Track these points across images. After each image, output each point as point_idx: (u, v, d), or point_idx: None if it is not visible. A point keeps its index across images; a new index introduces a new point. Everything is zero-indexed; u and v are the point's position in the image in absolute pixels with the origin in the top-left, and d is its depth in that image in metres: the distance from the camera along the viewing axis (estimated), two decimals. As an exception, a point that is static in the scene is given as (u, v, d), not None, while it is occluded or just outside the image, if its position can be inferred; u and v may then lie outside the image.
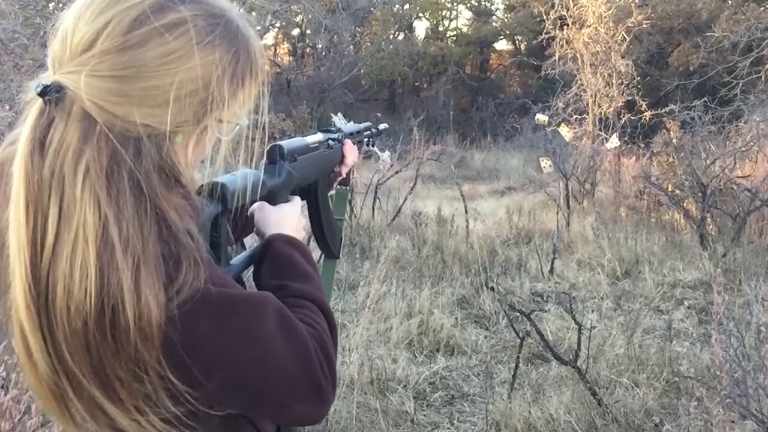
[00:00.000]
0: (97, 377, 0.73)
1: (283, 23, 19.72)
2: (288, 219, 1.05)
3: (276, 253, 0.98)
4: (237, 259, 0.99)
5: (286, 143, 1.12)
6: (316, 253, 1.62)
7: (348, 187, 1.46)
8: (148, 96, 0.75)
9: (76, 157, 0.72)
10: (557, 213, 7.27)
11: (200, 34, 0.78)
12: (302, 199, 1.22)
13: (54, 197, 0.72)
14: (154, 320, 0.71)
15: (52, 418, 0.82)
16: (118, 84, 0.74)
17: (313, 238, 1.37)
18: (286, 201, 1.10)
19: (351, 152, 1.35)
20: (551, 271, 5.58)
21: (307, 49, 20.46)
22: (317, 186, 1.27)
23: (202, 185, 0.89)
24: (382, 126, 1.64)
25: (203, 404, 0.77)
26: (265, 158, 1.09)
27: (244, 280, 1.02)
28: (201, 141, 0.84)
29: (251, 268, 1.01)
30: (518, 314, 3.59)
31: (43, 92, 0.74)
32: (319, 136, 1.27)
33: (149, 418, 0.75)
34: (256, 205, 1.05)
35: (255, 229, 1.06)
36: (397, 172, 8.02)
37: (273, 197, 1.06)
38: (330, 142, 1.28)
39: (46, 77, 0.76)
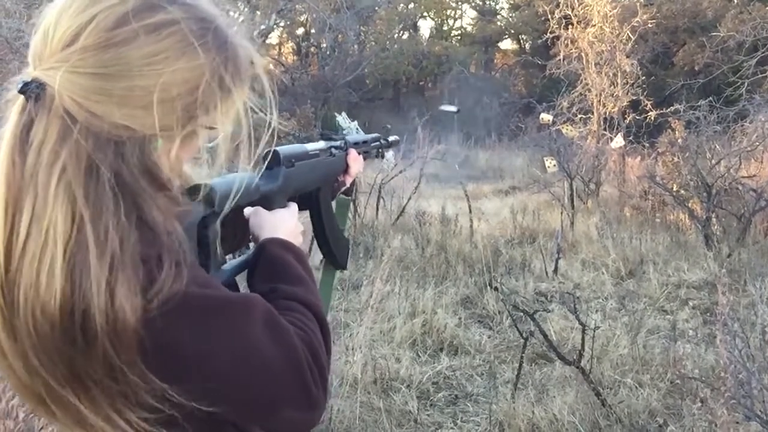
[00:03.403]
0: (69, 380, 0.72)
1: (288, 22, 19.75)
2: (284, 224, 1.03)
3: (269, 256, 0.95)
4: (231, 263, 0.97)
5: (283, 148, 1.10)
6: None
7: (350, 197, 1.42)
8: (130, 96, 0.73)
9: (54, 155, 0.70)
10: (561, 213, 7.26)
11: (190, 37, 0.76)
12: (304, 207, 1.20)
13: (29, 197, 0.70)
14: (128, 324, 0.69)
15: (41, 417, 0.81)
16: (99, 82, 0.72)
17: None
18: (283, 206, 1.07)
19: (355, 162, 1.32)
20: (555, 271, 5.57)
21: (312, 49, 20.47)
22: (319, 194, 1.24)
23: (192, 187, 0.87)
24: (392, 138, 1.58)
25: (186, 405, 0.76)
26: (261, 163, 1.07)
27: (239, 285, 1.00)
28: (185, 145, 0.81)
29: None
30: (522, 314, 3.58)
31: (24, 89, 0.72)
32: (321, 144, 1.24)
33: (128, 417, 0.74)
34: (251, 210, 1.03)
35: (250, 234, 1.04)
36: (401, 172, 8.02)
37: (269, 202, 1.04)
38: (333, 150, 1.26)
39: (27, 74, 0.74)
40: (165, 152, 0.79)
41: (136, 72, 0.73)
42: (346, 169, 1.31)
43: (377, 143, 1.50)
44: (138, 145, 0.75)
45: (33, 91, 0.72)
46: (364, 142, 1.43)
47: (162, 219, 0.75)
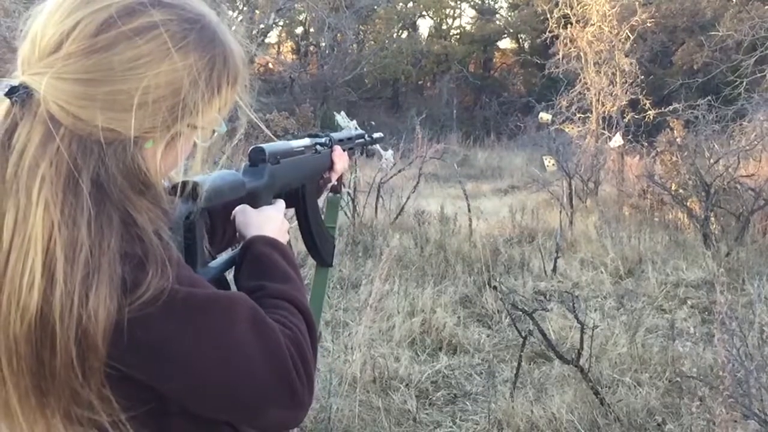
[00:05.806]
0: (40, 385, 0.72)
1: (287, 21, 19.75)
2: (270, 222, 1.02)
3: (255, 254, 0.95)
4: (217, 261, 0.97)
5: (269, 145, 1.10)
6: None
7: (339, 195, 1.43)
8: (114, 100, 0.74)
9: (37, 159, 0.71)
10: (560, 212, 7.26)
11: (172, 40, 0.77)
12: (290, 204, 1.19)
13: (12, 201, 0.71)
14: (100, 327, 0.70)
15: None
16: (83, 87, 0.74)
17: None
18: (269, 204, 1.07)
19: (340, 159, 1.32)
20: (554, 270, 5.58)
21: (311, 48, 20.49)
22: (305, 191, 1.25)
23: (176, 184, 0.87)
24: (376, 135, 1.60)
25: (169, 405, 0.76)
26: (246, 160, 1.08)
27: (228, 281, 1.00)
28: (172, 147, 0.81)
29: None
30: (521, 313, 3.58)
31: (10, 93, 0.73)
32: (306, 141, 1.25)
33: (98, 422, 0.74)
34: (237, 208, 1.03)
35: (237, 232, 1.03)
36: (400, 171, 8.02)
37: (254, 200, 1.04)
38: (318, 147, 1.26)
39: (15, 77, 0.75)
40: (152, 153, 0.79)
41: (119, 76, 0.74)
42: (331, 166, 1.31)
43: (362, 140, 1.52)
44: (123, 148, 0.76)
45: (20, 95, 0.73)
46: (349, 139, 1.44)
47: (147, 219, 0.75)
